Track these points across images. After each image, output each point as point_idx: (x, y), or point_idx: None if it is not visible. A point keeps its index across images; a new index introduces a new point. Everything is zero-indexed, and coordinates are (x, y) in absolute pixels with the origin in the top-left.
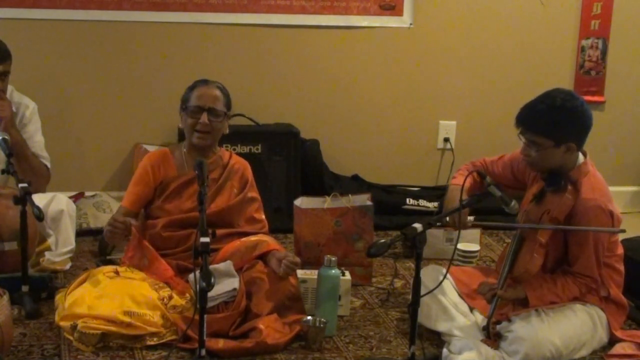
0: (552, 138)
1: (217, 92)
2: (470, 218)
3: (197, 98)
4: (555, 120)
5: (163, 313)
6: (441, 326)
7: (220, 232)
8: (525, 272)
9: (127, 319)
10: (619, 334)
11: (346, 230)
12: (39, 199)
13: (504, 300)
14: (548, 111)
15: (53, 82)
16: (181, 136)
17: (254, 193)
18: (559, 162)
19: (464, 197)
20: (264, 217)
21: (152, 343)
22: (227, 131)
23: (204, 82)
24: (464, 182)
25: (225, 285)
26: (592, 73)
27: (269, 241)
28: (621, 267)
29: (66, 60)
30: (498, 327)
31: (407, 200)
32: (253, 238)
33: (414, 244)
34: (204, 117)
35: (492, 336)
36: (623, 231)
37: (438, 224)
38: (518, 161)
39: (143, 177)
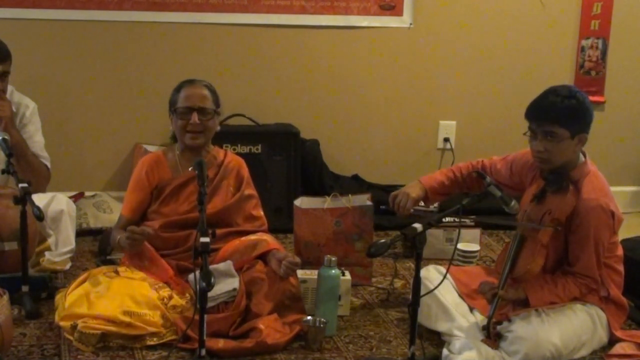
0: (569, 128)
1: (205, 91)
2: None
3: (185, 99)
4: (571, 110)
5: (163, 313)
6: (441, 326)
7: (219, 231)
8: (527, 273)
9: (127, 319)
10: (619, 334)
11: (346, 230)
12: (39, 199)
13: (505, 301)
14: (563, 101)
15: (53, 82)
16: (174, 138)
17: (250, 190)
18: (570, 156)
19: (418, 192)
20: (262, 213)
21: (152, 343)
22: (218, 128)
23: (190, 82)
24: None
25: (225, 285)
26: (592, 73)
27: (268, 240)
28: (621, 268)
29: (66, 60)
30: (498, 327)
31: None
32: (253, 237)
33: (414, 244)
34: (194, 117)
35: (492, 336)
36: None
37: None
38: (518, 161)
39: (139, 184)
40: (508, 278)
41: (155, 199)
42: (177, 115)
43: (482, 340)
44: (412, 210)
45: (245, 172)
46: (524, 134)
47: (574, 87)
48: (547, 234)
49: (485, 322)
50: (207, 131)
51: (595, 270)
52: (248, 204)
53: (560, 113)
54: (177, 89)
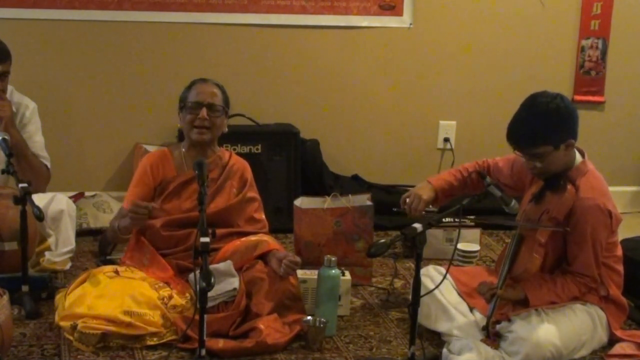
0: (550, 144)
1: (215, 89)
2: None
3: (196, 94)
4: (546, 127)
5: (163, 313)
6: (441, 326)
7: (220, 231)
8: (525, 272)
9: (127, 319)
10: (619, 333)
11: (346, 230)
12: (39, 199)
13: (504, 300)
14: (537, 121)
15: (53, 82)
16: (181, 136)
17: (253, 193)
18: (563, 161)
19: (429, 193)
20: (264, 216)
21: (152, 343)
22: (226, 129)
23: (202, 80)
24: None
25: (225, 285)
26: (592, 73)
27: (269, 241)
28: (620, 268)
29: (66, 60)
30: (498, 327)
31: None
32: (253, 238)
33: (414, 244)
34: (203, 113)
35: (492, 336)
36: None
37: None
38: (519, 161)
39: (142, 178)
40: (507, 277)
41: (159, 195)
42: (186, 110)
43: (482, 340)
44: (423, 212)
45: (250, 175)
46: (514, 151)
47: (547, 96)
48: (545, 233)
49: (485, 322)
50: (214, 128)
51: (593, 269)
52: (250, 207)
53: (536, 136)
54: (189, 86)
